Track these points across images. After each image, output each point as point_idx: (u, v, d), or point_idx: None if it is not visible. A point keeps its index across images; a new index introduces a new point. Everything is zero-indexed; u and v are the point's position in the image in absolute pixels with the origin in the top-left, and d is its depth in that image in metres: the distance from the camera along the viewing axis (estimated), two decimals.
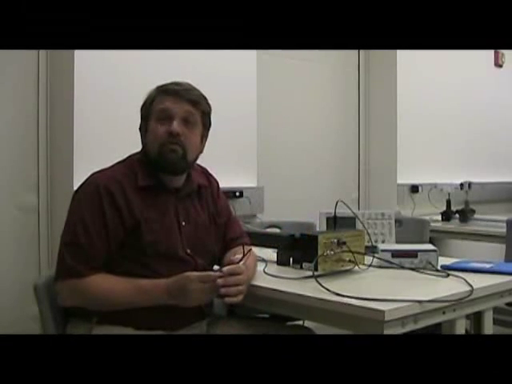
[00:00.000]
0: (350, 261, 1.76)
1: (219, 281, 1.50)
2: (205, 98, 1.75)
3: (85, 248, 1.57)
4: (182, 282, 1.51)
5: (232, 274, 1.53)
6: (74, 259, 1.57)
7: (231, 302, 1.54)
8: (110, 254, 1.61)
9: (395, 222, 2.32)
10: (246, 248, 1.66)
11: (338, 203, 2.12)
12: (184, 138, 1.68)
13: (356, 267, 1.81)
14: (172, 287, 1.53)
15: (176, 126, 1.66)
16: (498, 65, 4.68)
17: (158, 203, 1.70)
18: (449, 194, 3.66)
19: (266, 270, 1.82)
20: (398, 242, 2.26)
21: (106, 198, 1.61)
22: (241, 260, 1.59)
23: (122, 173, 1.68)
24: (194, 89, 1.74)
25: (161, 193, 1.72)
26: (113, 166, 1.73)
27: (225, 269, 1.54)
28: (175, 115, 1.67)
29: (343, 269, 1.78)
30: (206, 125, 1.77)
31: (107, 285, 1.57)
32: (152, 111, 1.71)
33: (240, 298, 1.55)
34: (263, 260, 1.92)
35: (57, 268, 1.61)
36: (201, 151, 1.78)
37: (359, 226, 2.15)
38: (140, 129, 1.76)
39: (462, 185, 3.69)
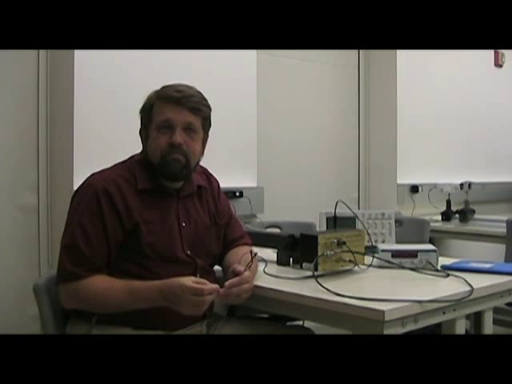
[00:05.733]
0: (349, 261, 1.76)
1: (221, 290, 1.50)
2: (205, 101, 1.73)
3: (83, 251, 1.57)
4: (175, 289, 1.48)
5: (234, 286, 1.53)
6: (73, 262, 1.57)
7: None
8: (109, 255, 1.60)
9: (395, 221, 2.32)
10: (253, 253, 1.66)
11: (338, 203, 2.12)
12: (186, 147, 1.67)
13: (356, 267, 1.81)
14: (166, 291, 1.50)
15: (178, 136, 1.65)
16: (498, 65, 4.68)
17: (159, 205, 1.69)
18: (449, 194, 3.66)
19: (265, 270, 1.82)
20: (398, 242, 2.26)
21: (105, 200, 1.61)
22: (246, 269, 1.59)
23: (121, 175, 1.68)
24: (194, 94, 1.70)
25: (161, 195, 1.71)
26: (112, 167, 1.73)
27: (227, 283, 1.53)
28: (176, 125, 1.66)
29: (343, 269, 1.78)
30: (207, 128, 1.76)
31: (102, 287, 1.56)
32: (152, 119, 1.69)
33: (241, 301, 1.58)
34: (263, 260, 1.92)
35: (57, 271, 1.61)
36: (202, 154, 1.78)
37: (359, 225, 2.15)
38: (140, 133, 1.76)
39: (461, 185, 3.69)
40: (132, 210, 1.63)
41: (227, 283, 1.53)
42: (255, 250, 1.88)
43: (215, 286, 1.50)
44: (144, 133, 1.73)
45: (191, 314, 1.53)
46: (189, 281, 1.48)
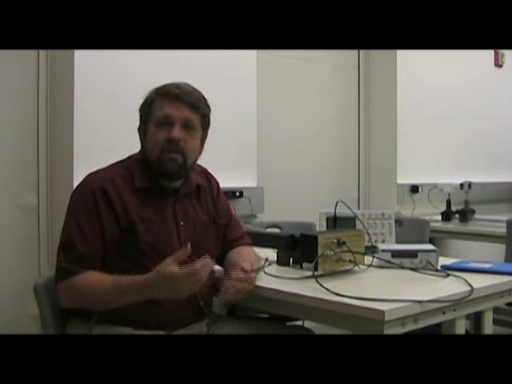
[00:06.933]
0: (349, 261, 1.76)
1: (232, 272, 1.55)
2: (204, 99, 1.73)
3: (79, 249, 1.57)
4: (167, 280, 1.45)
5: (239, 280, 1.56)
6: (69, 261, 1.57)
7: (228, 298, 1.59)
8: (106, 254, 1.60)
9: (395, 221, 2.32)
10: (261, 261, 1.69)
11: (338, 203, 2.12)
12: (184, 144, 1.67)
13: (356, 267, 1.81)
14: (155, 285, 1.47)
15: (176, 132, 1.65)
16: (498, 65, 4.68)
17: (156, 204, 1.69)
18: (449, 194, 3.66)
19: (265, 270, 1.82)
20: (398, 241, 2.26)
21: (101, 199, 1.61)
22: (253, 270, 1.61)
23: (118, 173, 1.68)
24: (194, 91, 1.72)
25: (159, 194, 1.71)
26: (110, 166, 1.73)
27: (233, 273, 1.56)
28: (175, 121, 1.66)
29: (343, 269, 1.78)
30: (205, 127, 1.76)
31: (92, 282, 1.55)
32: (151, 115, 1.69)
33: (237, 298, 1.58)
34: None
35: (55, 270, 1.61)
36: (200, 153, 1.78)
37: (359, 226, 2.15)
38: (139, 130, 1.75)
39: (461, 185, 3.69)
40: (129, 209, 1.63)
41: (233, 274, 1.56)
42: (255, 249, 1.88)
43: (205, 261, 1.47)
44: (143, 130, 1.74)
45: (192, 292, 1.51)
46: (174, 267, 1.45)
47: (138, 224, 1.62)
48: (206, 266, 1.48)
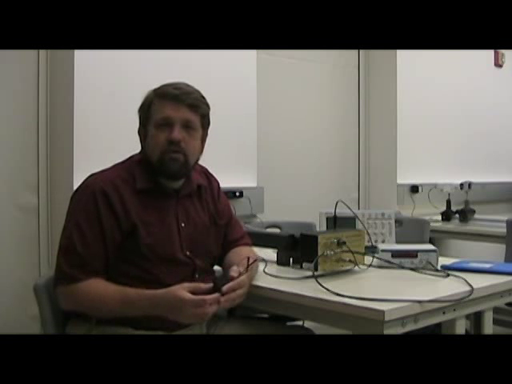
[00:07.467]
0: (349, 261, 1.76)
1: (222, 299, 1.48)
2: (203, 99, 1.72)
3: (80, 253, 1.56)
4: (174, 302, 1.45)
5: (230, 291, 1.51)
6: (69, 265, 1.56)
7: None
8: (107, 257, 1.60)
9: (395, 221, 2.32)
10: (251, 259, 1.63)
11: (338, 203, 2.12)
12: (185, 144, 1.66)
13: (356, 267, 1.81)
14: (162, 303, 1.47)
15: (176, 133, 1.64)
16: (498, 65, 4.68)
17: (157, 205, 1.69)
18: (449, 194, 3.66)
19: (265, 270, 1.82)
20: (398, 241, 2.26)
21: (102, 202, 1.60)
22: (240, 274, 1.57)
23: (119, 175, 1.67)
24: (192, 91, 1.70)
25: (160, 195, 1.70)
26: (112, 168, 1.72)
27: (224, 288, 1.50)
28: (175, 122, 1.65)
29: (343, 269, 1.78)
30: (205, 126, 1.75)
31: (97, 293, 1.55)
32: (150, 117, 1.68)
33: (234, 305, 1.57)
34: (263, 260, 1.91)
35: (55, 273, 1.61)
36: (201, 152, 1.78)
37: (359, 226, 2.15)
38: (139, 132, 1.75)
39: (461, 185, 3.69)
40: (130, 211, 1.62)
41: (225, 288, 1.51)
42: (255, 249, 1.88)
43: (216, 295, 1.47)
44: (142, 131, 1.73)
45: (190, 323, 1.53)
46: (185, 293, 1.45)
47: (139, 227, 1.61)
48: (215, 301, 1.47)
